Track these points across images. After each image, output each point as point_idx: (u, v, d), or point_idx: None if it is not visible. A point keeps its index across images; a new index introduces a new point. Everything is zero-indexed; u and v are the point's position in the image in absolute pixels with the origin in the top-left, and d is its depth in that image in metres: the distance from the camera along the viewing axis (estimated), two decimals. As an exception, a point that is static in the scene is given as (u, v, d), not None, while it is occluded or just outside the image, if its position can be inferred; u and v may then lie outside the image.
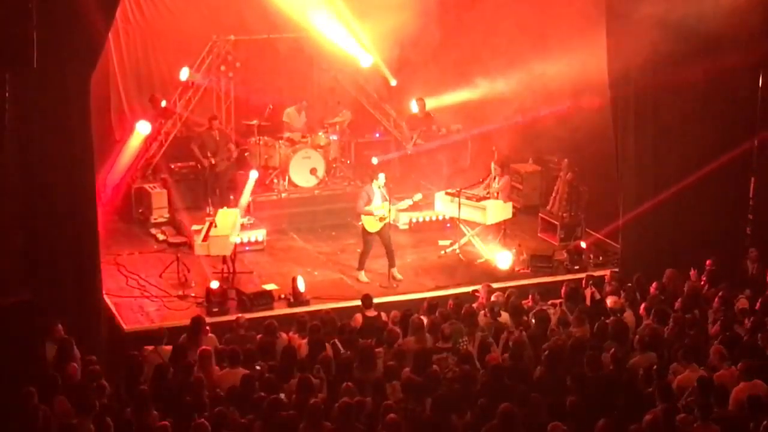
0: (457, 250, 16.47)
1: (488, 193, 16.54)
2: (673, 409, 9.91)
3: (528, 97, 17.65)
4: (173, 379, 11.03)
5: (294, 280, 14.66)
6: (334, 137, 18.74)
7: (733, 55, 14.34)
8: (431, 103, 18.88)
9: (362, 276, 15.56)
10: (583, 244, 16.24)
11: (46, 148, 12.52)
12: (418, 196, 16.08)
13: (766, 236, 15.18)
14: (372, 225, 15.37)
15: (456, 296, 13.67)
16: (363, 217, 15.46)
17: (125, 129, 18.19)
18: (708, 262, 14.11)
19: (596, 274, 15.00)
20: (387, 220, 15.33)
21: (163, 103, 18.14)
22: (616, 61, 14.50)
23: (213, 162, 17.34)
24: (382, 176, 15.53)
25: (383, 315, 13.14)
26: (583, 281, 14.11)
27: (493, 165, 16.80)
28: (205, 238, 15.07)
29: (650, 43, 14.04)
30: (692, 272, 14.22)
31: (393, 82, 19.11)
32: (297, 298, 14.53)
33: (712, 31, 13.90)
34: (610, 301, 13.41)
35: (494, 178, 16.65)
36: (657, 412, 9.92)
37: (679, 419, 9.68)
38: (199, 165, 17.56)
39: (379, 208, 15.26)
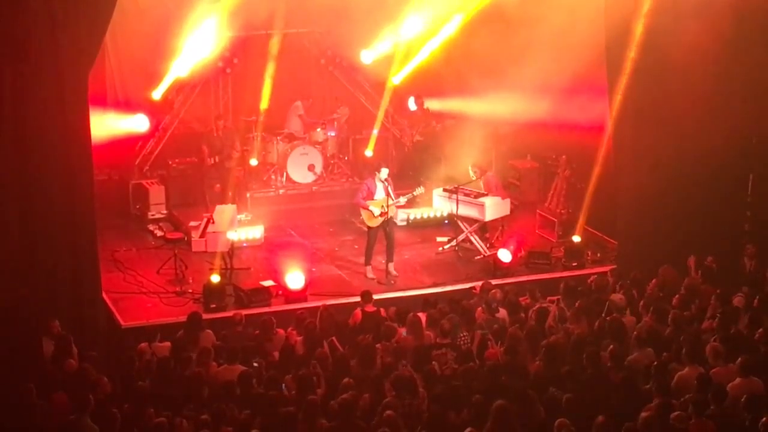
0: (456, 247, 16.49)
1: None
2: (669, 405, 9.90)
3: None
4: (174, 375, 11.04)
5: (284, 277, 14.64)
6: (332, 133, 18.72)
7: (734, 51, 14.35)
8: (428, 101, 18.91)
9: (369, 272, 15.50)
10: (577, 239, 16.23)
11: (43, 145, 12.50)
12: (420, 190, 15.90)
13: (763, 232, 15.16)
14: (370, 220, 15.35)
15: (452, 294, 13.65)
16: (362, 211, 15.44)
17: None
18: (708, 259, 14.11)
19: (594, 271, 15.02)
20: (387, 216, 15.22)
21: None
22: (615, 55, 14.50)
23: (216, 161, 17.31)
24: (384, 170, 15.40)
25: (382, 311, 13.14)
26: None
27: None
28: (203, 234, 15.04)
29: (649, 37, 14.03)
30: (691, 260, 14.21)
31: (395, 81, 19.03)
32: (289, 295, 14.52)
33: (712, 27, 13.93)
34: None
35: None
36: (653, 408, 9.91)
37: (675, 416, 9.67)
38: (201, 162, 17.53)
39: (377, 203, 15.24)
